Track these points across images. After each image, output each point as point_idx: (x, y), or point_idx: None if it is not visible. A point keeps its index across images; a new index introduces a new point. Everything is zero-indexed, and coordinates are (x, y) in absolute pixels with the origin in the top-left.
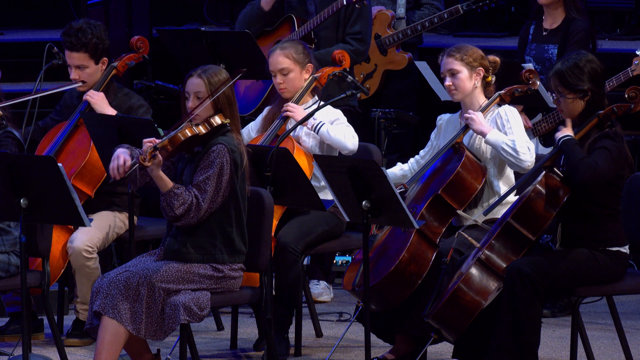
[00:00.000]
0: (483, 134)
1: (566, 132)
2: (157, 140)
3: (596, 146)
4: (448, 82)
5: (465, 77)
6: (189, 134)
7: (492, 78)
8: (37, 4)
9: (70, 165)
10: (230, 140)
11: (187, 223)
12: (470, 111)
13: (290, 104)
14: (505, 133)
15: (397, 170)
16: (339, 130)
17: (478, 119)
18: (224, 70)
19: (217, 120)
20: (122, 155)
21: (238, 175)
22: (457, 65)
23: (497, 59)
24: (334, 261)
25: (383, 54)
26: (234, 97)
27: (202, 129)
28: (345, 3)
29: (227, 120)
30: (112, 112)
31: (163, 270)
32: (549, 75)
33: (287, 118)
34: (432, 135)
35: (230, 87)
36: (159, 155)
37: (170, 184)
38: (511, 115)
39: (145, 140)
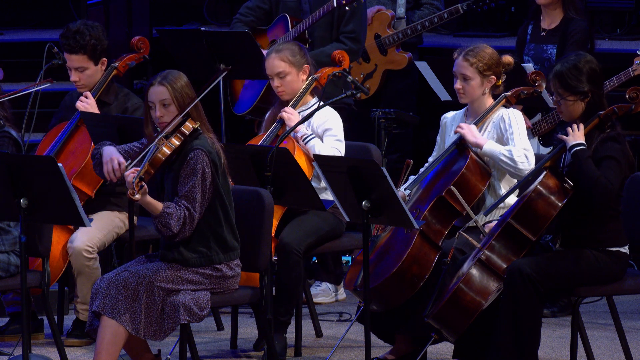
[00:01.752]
0: (479, 146)
1: (579, 138)
2: (138, 169)
3: (604, 153)
4: (458, 84)
5: (476, 84)
6: (168, 152)
7: (502, 81)
8: (37, 4)
9: (70, 165)
10: (204, 142)
11: (183, 237)
12: (461, 124)
13: (287, 108)
14: (507, 138)
15: None
16: (325, 147)
17: (471, 131)
18: (183, 75)
19: (188, 126)
20: (115, 157)
21: (219, 174)
22: (470, 72)
23: (512, 60)
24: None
25: (383, 54)
26: (196, 98)
27: (176, 142)
28: (335, 5)
29: (197, 124)
30: None
31: (162, 270)
32: (549, 77)
33: (280, 127)
34: (438, 137)
35: (192, 89)
36: (144, 184)
37: (159, 205)
38: (514, 119)
39: (126, 173)
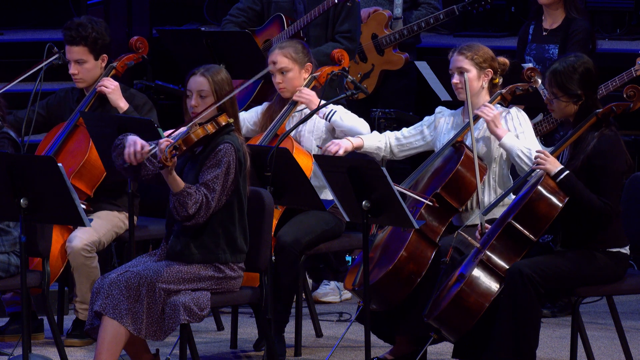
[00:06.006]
0: (498, 137)
1: (556, 164)
2: (172, 140)
3: (597, 162)
4: (455, 79)
5: (473, 77)
6: (202, 134)
7: (499, 80)
8: (37, 4)
9: (69, 164)
10: (235, 139)
11: (197, 222)
12: (489, 107)
13: (305, 89)
14: (517, 136)
15: (375, 142)
16: (350, 116)
17: (496, 119)
18: (224, 70)
19: (224, 119)
20: (139, 141)
21: (242, 174)
22: (466, 64)
23: (507, 61)
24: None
25: (380, 54)
26: (235, 97)
27: (211, 128)
28: (336, 2)
29: (231, 120)
30: (124, 104)
31: (164, 270)
32: (546, 74)
33: (289, 113)
34: (426, 120)
35: (232, 85)
36: (176, 155)
37: (182, 183)
38: (523, 119)
39: (161, 140)
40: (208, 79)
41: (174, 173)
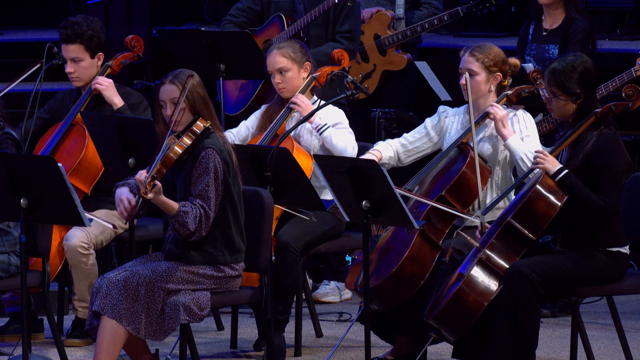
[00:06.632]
0: (504, 137)
1: (555, 163)
2: (150, 170)
3: (597, 161)
4: (463, 80)
5: (482, 80)
6: (180, 151)
7: (508, 82)
8: (37, 4)
9: (65, 162)
10: (215, 141)
11: (199, 236)
12: (498, 107)
13: (299, 95)
14: (523, 139)
15: (388, 152)
16: (341, 136)
17: (504, 120)
18: (195, 74)
19: (200, 126)
20: (124, 197)
21: (230, 173)
22: (476, 67)
23: (518, 62)
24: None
25: (382, 54)
26: (208, 97)
27: (187, 141)
28: (336, 1)
29: (208, 123)
30: (119, 101)
31: (163, 270)
32: (545, 74)
33: (288, 114)
34: (429, 122)
35: (203, 88)
36: (158, 182)
37: (175, 204)
38: (529, 122)
39: (137, 174)
40: (178, 85)
41: (163, 197)
